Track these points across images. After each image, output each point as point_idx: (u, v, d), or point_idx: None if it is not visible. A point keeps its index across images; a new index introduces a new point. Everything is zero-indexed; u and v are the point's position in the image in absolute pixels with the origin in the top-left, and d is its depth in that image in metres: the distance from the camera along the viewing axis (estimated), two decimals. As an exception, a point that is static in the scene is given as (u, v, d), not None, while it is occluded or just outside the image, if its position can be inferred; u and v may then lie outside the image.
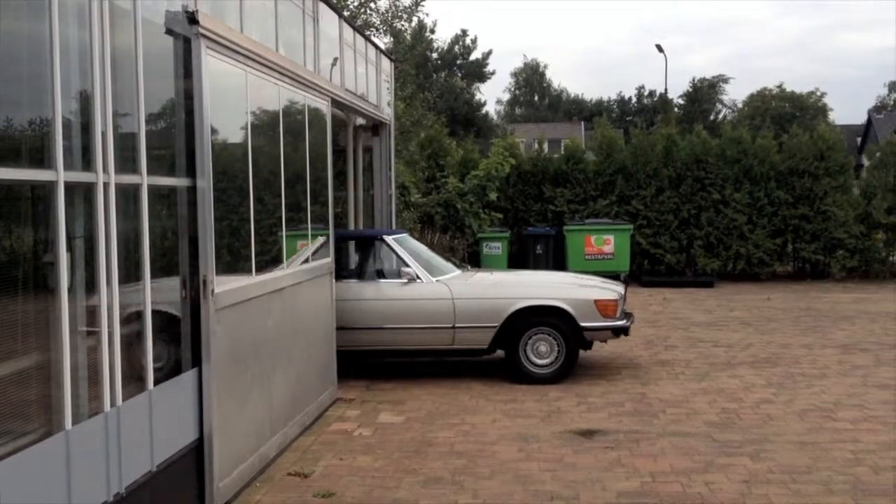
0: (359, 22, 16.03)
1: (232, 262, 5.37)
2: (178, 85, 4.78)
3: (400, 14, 17.32)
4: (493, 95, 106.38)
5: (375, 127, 10.68)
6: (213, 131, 4.96)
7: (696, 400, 7.25)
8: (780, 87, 68.67)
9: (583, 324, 7.93)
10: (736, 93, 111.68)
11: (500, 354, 8.26)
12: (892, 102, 76.94)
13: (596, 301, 8.00)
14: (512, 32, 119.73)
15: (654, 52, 38.83)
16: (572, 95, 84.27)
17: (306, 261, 6.82)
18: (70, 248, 3.63)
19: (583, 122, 66.01)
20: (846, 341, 9.92)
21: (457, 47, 54.77)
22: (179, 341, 4.71)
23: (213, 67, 4.90)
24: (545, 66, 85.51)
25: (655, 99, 66.27)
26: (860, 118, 66.75)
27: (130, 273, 4.15)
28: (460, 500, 4.97)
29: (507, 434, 6.37)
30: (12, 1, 3.43)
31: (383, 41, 17.33)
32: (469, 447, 6.05)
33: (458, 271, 8.71)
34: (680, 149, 16.86)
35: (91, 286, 3.80)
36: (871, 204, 16.33)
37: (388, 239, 8.48)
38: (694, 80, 70.36)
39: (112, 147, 3.89)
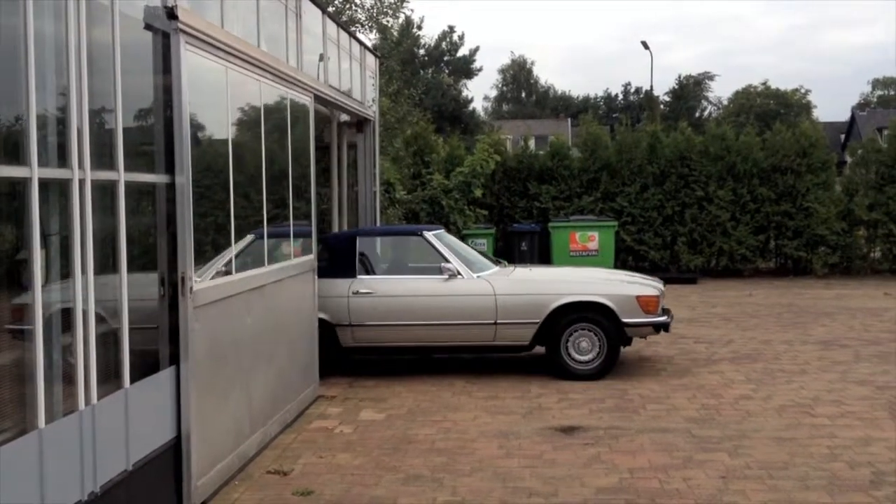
0: (344, 18, 16.01)
1: (212, 259, 5.36)
2: (157, 81, 4.76)
3: (385, 10, 17.29)
4: (480, 92, 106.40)
5: (360, 123, 10.66)
6: (193, 127, 4.95)
7: (677, 396, 7.29)
8: (764, 84, 69.02)
9: (625, 320, 7.95)
10: (721, 90, 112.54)
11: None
12: (875, 100, 77.44)
13: (638, 297, 8.02)
14: (499, 29, 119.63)
15: (641, 49, 38.93)
16: (559, 92, 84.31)
17: (288, 257, 6.81)
18: (45, 246, 3.62)
19: (569, 119, 66.08)
20: (826, 337, 9.98)
21: (444, 44, 54.77)
22: (157, 339, 4.70)
23: (192, 63, 4.88)
24: (532, 63, 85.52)
25: (642, 96, 66.47)
26: (844, 115, 67.19)
27: (107, 270, 4.13)
28: (439, 498, 4.98)
29: (487, 431, 6.38)
30: (-15, -4, 3.41)
31: (369, 37, 17.31)
32: (450, 444, 6.06)
33: (496, 267, 8.67)
34: (664, 146, 16.92)
35: (66, 283, 3.78)
36: (853, 201, 16.44)
37: (428, 234, 8.44)
38: (680, 77, 70.66)
39: (88, 143, 3.87)
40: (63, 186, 3.75)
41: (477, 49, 55.14)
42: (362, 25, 16.96)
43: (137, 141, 4.62)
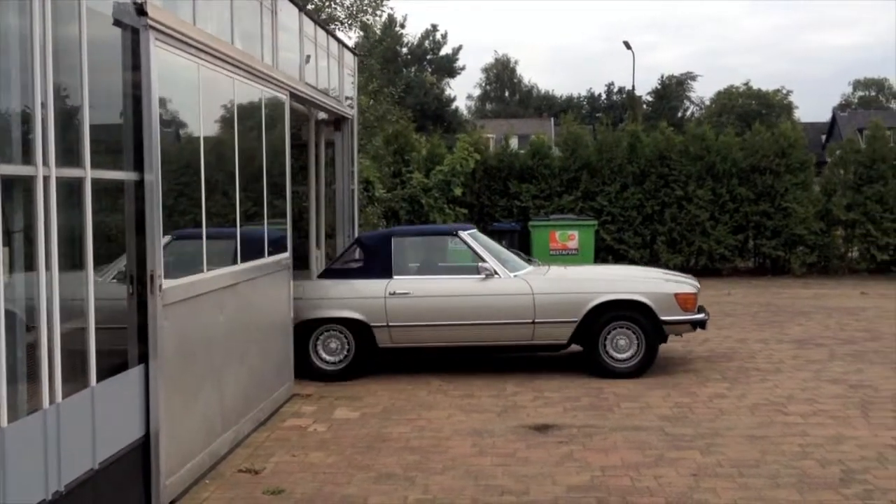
0: (323, 16, 15.96)
1: (184, 258, 5.32)
2: (126, 77, 4.72)
3: (365, 8, 17.27)
4: (463, 91, 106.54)
5: (338, 121, 10.62)
6: (163, 125, 4.91)
7: (651, 394, 7.31)
8: (746, 84, 69.39)
9: (663, 317, 7.95)
10: (704, 90, 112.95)
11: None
12: (856, 101, 78.08)
13: (676, 295, 8.03)
14: (483, 28, 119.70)
15: (625, 49, 39.01)
16: (543, 91, 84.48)
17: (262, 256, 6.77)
18: (8, 243, 3.58)
19: (553, 119, 66.22)
20: (802, 336, 10.05)
21: (427, 42, 54.75)
22: (126, 337, 4.66)
23: (162, 60, 4.84)
24: (516, 62, 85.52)
25: (624, 96, 66.68)
26: (826, 116, 67.70)
27: (74, 267, 4.09)
28: (410, 496, 4.98)
29: (461, 429, 6.38)
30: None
31: (349, 35, 17.29)
32: (423, 442, 6.05)
33: (530, 266, 8.67)
34: (644, 145, 16.98)
35: (30, 281, 3.74)
36: (831, 201, 16.56)
37: (463, 234, 8.42)
38: (663, 77, 70.90)
39: (53, 140, 3.82)
40: (27, 183, 3.71)
41: (460, 48, 55.19)
42: (342, 23, 16.95)
43: (106, 138, 4.58)
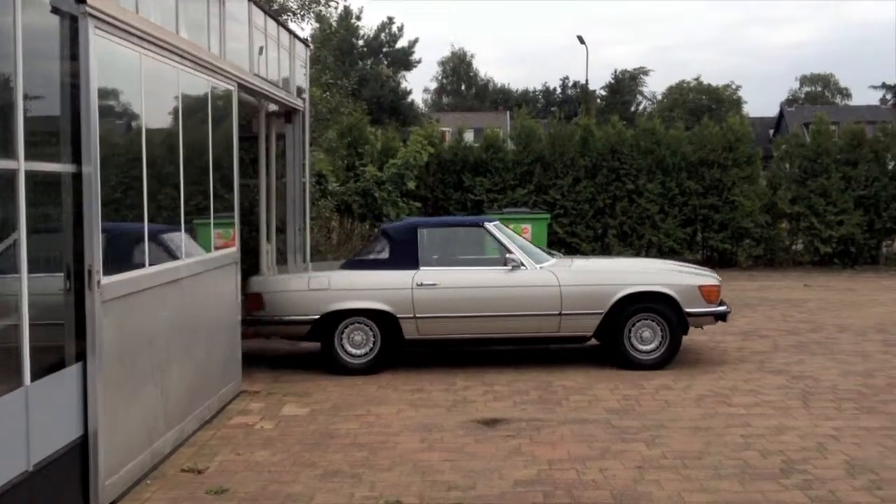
0: (275, 6, 15.77)
1: (124, 253, 5.22)
2: (64, 67, 4.60)
3: (318, -1, 17.09)
4: (419, 84, 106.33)
5: (289, 113, 10.51)
6: (103, 116, 4.79)
7: (600, 387, 7.37)
8: (697, 79, 70.29)
9: (687, 309, 7.98)
10: (656, 85, 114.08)
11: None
12: (803, 96, 79.58)
13: (700, 287, 8.06)
14: (439, 21, 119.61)
15: (582, 44, 39.21)
16: (499, 85, 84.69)
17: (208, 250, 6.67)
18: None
19: (508, 112, 66.42)
20: (747, 328, 10.21)
21: (383, 35, 54.53)
22: (63, 334, 4.55)
23: (102, 49, 4.73)
24: (472, 56, 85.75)
25: (579, 90, 67.10)
26: (774, 111, 68.91)
27: (5, 263, 3.98)
28: (357, 493, 4.94)
29: (410, 424, 6.36)
30: None
31: (301, 27, 17.11)
32: (372, 439, 6.02)
33: (553, 258, 8.66)
34: (596, 139, 17.09)
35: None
36: (777, 194, 16.85)
37: (489, 226, 8.40)
38: (616, 71, 71.53)
39: (-17, 132, 3.71)
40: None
41: (416, 41, 55.19)
42: (294, 14, 16.76)
43: (42, 129, 4.46)
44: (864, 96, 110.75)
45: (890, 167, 16.91)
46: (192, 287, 6.15)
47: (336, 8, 18.75)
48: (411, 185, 15.55)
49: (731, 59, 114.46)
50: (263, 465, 5.46)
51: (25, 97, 4.08)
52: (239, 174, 7.59)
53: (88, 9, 4.53)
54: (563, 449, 5.69)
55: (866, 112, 50.02)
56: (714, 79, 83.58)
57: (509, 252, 8.14)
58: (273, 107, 10.42)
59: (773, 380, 7.51)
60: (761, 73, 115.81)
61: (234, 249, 7.33)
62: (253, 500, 4.85)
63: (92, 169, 4.61)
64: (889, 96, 65.51)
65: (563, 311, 7.98)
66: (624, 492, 4.89)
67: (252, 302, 8.19)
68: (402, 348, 8.23)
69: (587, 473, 5.20)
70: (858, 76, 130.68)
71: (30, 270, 4.08)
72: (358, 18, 50.20)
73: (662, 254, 16.66)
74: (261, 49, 8.87)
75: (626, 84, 70.52)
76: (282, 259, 10.78)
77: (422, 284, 7.99)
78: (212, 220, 6.75)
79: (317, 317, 8.01)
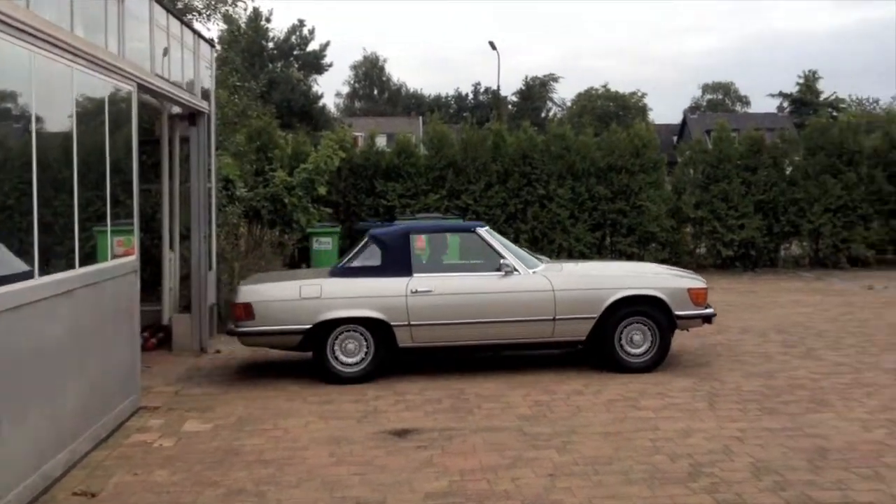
0: (179, 5, 15.34)
1: (7, 263, 4.90)
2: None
3: (224, -1, 16.70)
4: (332, 88, 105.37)
5: (193, 116, 10.18)
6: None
7: (512, 394, 7.34)
8: (605, 86, 71.85)
9: (677, 312, 8.03)
10: (565, 91, 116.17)
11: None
12: (705, 103, 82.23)
13: (689, 290, 8.14)
14: (352, 25, 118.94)
15: (494, 50, 39.56)
16: (412, 90, 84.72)
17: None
18: None
19: (421, 118, 66.48)
20: (656, 331, 10.34)
21: (294, 37, 53.69)
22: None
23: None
24: (385, 60, 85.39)
25: (490, 96, 67.71)
26: (677, 118, 70.97)
27: None
28: (261, 511, 4.76)
29: (319, 438, 6.19)
30: None
31: (207, 27, 16.68)
32: (278, 454, 5.83)
33: (543, 264, 8.54)
34: (508, 145, 17.19)
35: None
36: (681, 199, 17.27)
37: (481, 231, 8.31)
38: (527, 78, 72.49)
39: None
40: None
41: (328, 44, 54.36)
42: (200, 14, 16.33)
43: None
44: (763, 104, 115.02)
45: (788, 173, 17.53)
46: (87, 298, 5.84)
47: (245, 9, 18.39)
48: (322, 190, 15.30)
49: (636, 66, 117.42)
50: (162, 485, 5.21)
51: None
52: (140, 179, 7.29)
53: (-31, 4, 4.24)
54: (475, 459, 5.62)
55: (764, 119, 51.98)
56: (621, 86, 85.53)
57: (502, 257, 8.09)
58: (177, 109, 10.10)
59: (680, 382, 7.62)
60: (665, 81, 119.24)
61: (134, 258, 7.03)
62: (150, 524, 4.62)
63: (-29, 175, 4.31)
64: (786, 104, 68.23)
65: (557, 316, 7.97)
66: (535, 501, 4.85)
67: (241, 312, 7.94)
68: (396, 356, 8.11)
69: (499, 483, 5.14)
70: (757, 85, 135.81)
71: None
72: (268, 20, 49.33)
73: (573, 258, 16.86)
74: (165, 50, 8.57)
75: (536, 90, 71.56)
76: (185, 266, 10.44)
77: (416, 291, 7.88)
78: (109, 228, 6.45)
79: (309, 326, 7.81)
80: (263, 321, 7.86)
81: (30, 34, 4.95)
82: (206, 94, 10.29)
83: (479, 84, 78.76)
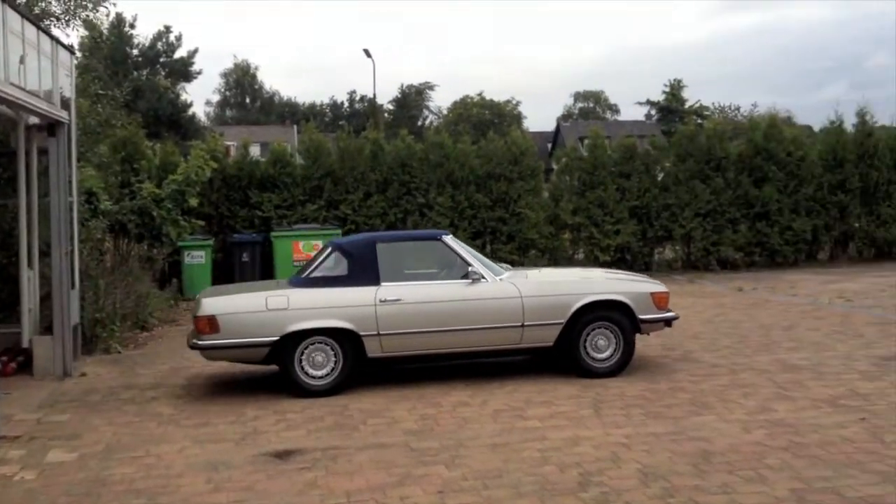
0: (36, 10, 14.43)
1: None
2: None
3: (84, 3, 15.79)
4: (201, 96, 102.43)
5: (52, 126, 9.56)
6: None
7: (397, 408, 7.17)
8: (480, 95, 72.89)
9: (641, 316, 8.07)
10: (441, 100, 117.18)
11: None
12: (577, 112, 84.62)
13: (652, 294, 8.21)
14: (221, 32, 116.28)
15: (369, 58, 39.46)
16: (285, 98, 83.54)
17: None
18: None
19: (296, 126, 65.58)
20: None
21: (160, 44, 51.94)
22: None
23: None
24: (256, 68, 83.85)
25: (366, 104, 67.50)
26: (551, 125, 72.75)
27: None
28: (132, 550, 4.42)
29: (195, 463, 5.85)
30: None
31: (66, 33, 15.80)
32: (151, 483, 5.46)
33: (507, 271, 8.54)
34: (386, 153, 17.08)
35: None
36: (559, 206, 17.57)
37: (447, 239, 8.26)
38: (402, 86, 72.68)
39: None
40: None
41: (196, 51, 52.88)
42: (58, 19, 15.40)
43: None
44: (631, 112, 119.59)
45: (659, 179, 18.12)
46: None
47: (107, 15, 17.47)
48: (193, 202, 14.70)
49: (510, 75, 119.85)
50: (21, 526, 4.79)
51: None
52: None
53: None
54: (362, 478, 5.42)
55: (634, 127, 53.92)
56: (496, 94, 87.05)
57: (470, 265, 8.02)
58: (34, 119, 9.47)
59: (565, 390, 7.64)
60: (539, 89, 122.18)
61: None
62: (6, 572, 4.21)
63: None
64: (653, 112, 71.02)
65: (526, 323, 7.93)
66: (426, 521, 4.70)
67: (204, 325, 7.56)
68: (364, 367, 7.89)
69: (388, 503, 4.96)
70: (626, 93, 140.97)
71: None
72: (132, 26, 47.67)
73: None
74: (21, 58, 8.02)
75: (412, 98, 71.83)
76: (46, 284, 9.79)
77: (385, 300, 7.73)
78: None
79: (277, 338, 7.55)
80: (229, 334, 7.62)
81: None
82: (66, 104, 9.69)
83: (354, 92, 78.55)
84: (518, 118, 72.60)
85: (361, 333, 7.73)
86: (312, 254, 15.60)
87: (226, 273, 15.95)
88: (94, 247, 11.73)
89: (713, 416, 6.58)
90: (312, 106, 79.69)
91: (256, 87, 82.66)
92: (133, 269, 12.84)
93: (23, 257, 9.73)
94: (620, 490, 5.01)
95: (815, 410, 6.63)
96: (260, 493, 5.23)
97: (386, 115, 67.36)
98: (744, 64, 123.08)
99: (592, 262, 17.53)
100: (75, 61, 10.70)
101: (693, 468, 5.34)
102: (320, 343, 7.75)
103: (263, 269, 15.86)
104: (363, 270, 7.93)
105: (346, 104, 78.67)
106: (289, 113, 77.53)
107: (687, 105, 67.53)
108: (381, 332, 7.76)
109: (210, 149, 15.71)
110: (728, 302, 13.25)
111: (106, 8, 15.56)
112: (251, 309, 7.73)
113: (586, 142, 19.05)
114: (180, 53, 52.26)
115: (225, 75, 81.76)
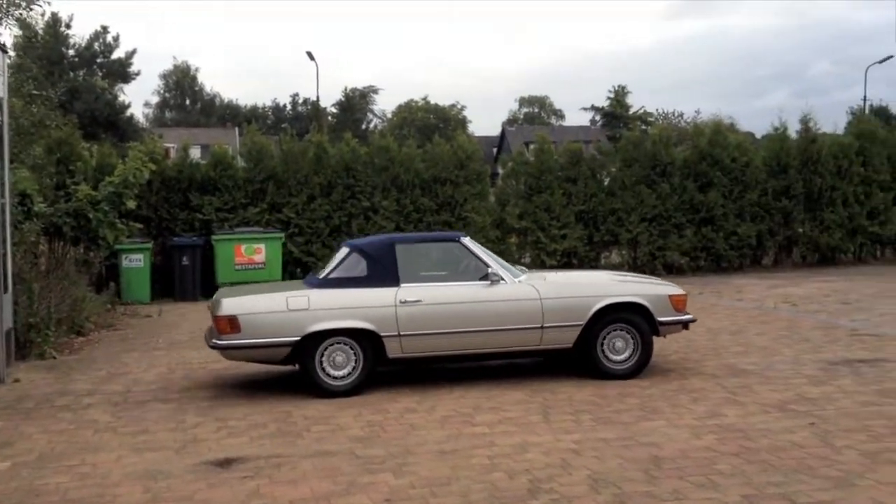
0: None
1: None
2: None
3: (18, 2, 15.31)
4: (139, 98, 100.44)
5: (-18, 126, 9.19)
6: None
7: (342, 415, 7.02)
8: (425, 99, 72.91)
9: (659, 318, 8.07)
10: (386, 103, 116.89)
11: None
12: (522, 116, 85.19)
13: (670, 296, 8.20)
14: (160, 32, 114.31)
15: (312, 61, 39.17)
16: (226, 100, 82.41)
17: None
18: None
19: (237, 129, 64.69)
20: (484, 342, 10.31)
21: (97, 44, 50.70)
22: None
23: None
24: (197, 69, 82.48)
25: (310, 107, 66.96)
26: (496, 130, 73.04)
27: None
28: (64, 566, 4.20)
29: (133, 472, 5.62)
30: None
31: (-2, 31, 15.27)
32: (86, 493, 5.23)
33: (524, 273, 8.50)
34: (330, 157, 16.92)
35: None
36: (505, 210, 17.58)
37: (465, 240, 8.25)
38: (346, 89, 72.31)
39: None
40: None
41: (134, 52, 51.63)
42: (-10, 18, 14.89)
43: None
44: (576, 117, 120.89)
45: (606, 184, 18.26)
46: None
47: (42, 14, 16.98)
48: (131, 204, 14.33)
49: (455, 79, 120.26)
50: (-56, 543, 4.53)
51: None
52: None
53: None
54: (306, 486, 5.27)
55: (579, 132, 54.50)
56: (440, 99, 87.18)
57: (489, 266, 8.00)
58: (-37, 118, 9.09)
59: (513, 395, 7.57)
60: (484, 94, 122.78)
61: None
62: (-73, 592, 3.96)
63: None
64: (598, 117, 71.78)
65: (545, 324, 7.90)
66: (373, 530, 4.57)
67: (225, 325, 7.44)
68: (383, 368, 7.86)
69: (333, 513, 4.82)
70: (571, 99, 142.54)
71: None
72: (68, 26, 46.44)
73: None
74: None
75: (356, 102, 71.51)
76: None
77: (405, 301, 7.69)
78: None
79: (298, 338, 7.53)
80: (250, 334, 7.55)
81: None
82: (-4, 102, 9.33)
83: (297, 95, 77.90)
84: (463, 122, 72.77)
85: (382, 334, 7.70)
86: (254, 257, 15.39)
87: (165, 277, 15.62)
88: (27, 250, 11.35)
89: (663, 421, 6.56)
90: (254, 108, 78.81)
91: (197, 88, 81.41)
92: (69, 272, 12.44)
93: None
94: (571, 497, 4.94)
95: (765, 415, 6.66)
96: (200, 502, 5.04)
97: (330, 118, 66.94)
98: (688, 71, 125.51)
99: (539, 266, 17.59)
100: (8, 60, 10.33)
101: (644, 474, 5.30)
102: (340, 343, 7.71)
103: (204, 273, 15.56)
104: (383, 271, 7.90)
105: (289, 107, 78.01)
106: (230, 115, 76.48)
107: (631, 111, 68.41)
108: (401, 333, 7.74)
109: (149, 150, 15.34)
110: (672, 306, 13.33)
111: (41, 7, 15.15)
112: (272, 309, 7.67)
113: (532, 146, 19.12)
114: (118, 54, 51.06)
115: (164, 77, 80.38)
